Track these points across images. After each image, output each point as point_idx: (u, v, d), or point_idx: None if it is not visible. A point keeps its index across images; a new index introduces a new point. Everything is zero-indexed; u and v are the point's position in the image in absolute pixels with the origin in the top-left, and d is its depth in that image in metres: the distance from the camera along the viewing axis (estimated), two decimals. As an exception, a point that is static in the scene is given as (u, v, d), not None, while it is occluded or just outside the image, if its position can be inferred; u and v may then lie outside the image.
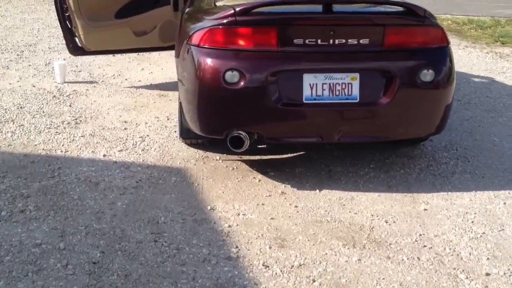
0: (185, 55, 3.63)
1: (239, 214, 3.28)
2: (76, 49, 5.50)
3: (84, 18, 5.30)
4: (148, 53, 6.63)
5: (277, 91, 3.35)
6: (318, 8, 3.39)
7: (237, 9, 3.33)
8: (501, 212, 3.37)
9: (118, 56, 6.69)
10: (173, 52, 6.75)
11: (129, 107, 5.08)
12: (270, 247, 2.96)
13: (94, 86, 5.68)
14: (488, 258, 2.90)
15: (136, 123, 4.67)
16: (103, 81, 5.91)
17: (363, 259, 2.88)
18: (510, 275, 2.77)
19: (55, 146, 4.15)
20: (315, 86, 3.37)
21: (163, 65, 6.66)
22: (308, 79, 3.37)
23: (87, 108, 4.99)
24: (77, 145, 4.17)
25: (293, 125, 3.46)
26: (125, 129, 4.54)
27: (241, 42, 3.36)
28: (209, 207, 3.34)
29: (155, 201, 3.39)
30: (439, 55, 3.49)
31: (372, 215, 3.30)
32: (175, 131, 4.49)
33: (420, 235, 3.10)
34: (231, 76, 3.33)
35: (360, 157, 4.07)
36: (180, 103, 3.83)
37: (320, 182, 3.70)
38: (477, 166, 3.99)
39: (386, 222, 3.22)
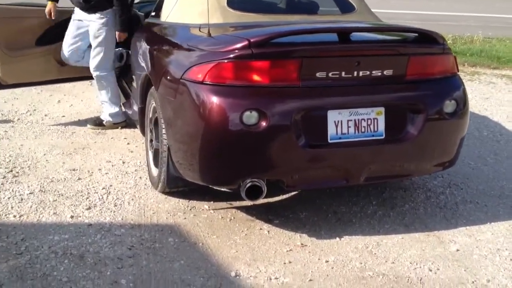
0: (177, 93, 3.07)
1: (270, 279, 2.80)
2: (-11, 84, 4.62)
3: (0, 46, 4.46)
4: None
5: (301, 131, 2.93)
6: (336, 37, 3.03)
7: (253, 39, 2.86)
8: (529, 244, 3.24)
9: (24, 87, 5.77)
10: (87, 83, 6.02)
11: (68, 150, 4.32)
12: (331, 319, 2.53)
13: (12, 126, 4.82)
14: (554, 302, 2.72)
15: (88, 171, 3.95)
16: (19, 119, 5.05)
17: (436, 320, 2.56)
18: None
19: (2, 209, 3.34)
20: (340, 123, 3.00)
21: (80, 95, 5.90)
22: (333, 116, 2.99)
23: (18, 156, 4.16)
24: (31, 206, 3.39)
25: (317, 168, 3.05)
26: (79, 179, 3.81)
27: (257, 78, 2.90)
28: (232, 273, 2.82)
29: (165, 273, 2.79)
30: (457, 84, 3.30)
31: (411, 263, 2.99)
32: (140, 177, 3.87)
33: (473, 282, 2.84)
34: (249, 117, 2.85)
35: (355, 193, 3.77)
36: (168, 149, 3.25)
37: (334, 227, 3.32)
38: (472, 194, 3.86)
39: (430, 271, 2.93)
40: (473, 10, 15.21)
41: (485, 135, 5.14)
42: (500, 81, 7.50)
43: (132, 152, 4.35)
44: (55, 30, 4.76)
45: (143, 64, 3.76)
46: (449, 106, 3.19)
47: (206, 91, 2.89)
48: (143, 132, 3.97)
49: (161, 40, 3.65)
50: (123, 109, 4.79)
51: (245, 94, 2.87)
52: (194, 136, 2.98)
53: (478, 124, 5.46)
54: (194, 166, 3.06)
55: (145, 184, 3.76)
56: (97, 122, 4.89)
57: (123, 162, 4.13)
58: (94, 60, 4.67)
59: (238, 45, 2.86)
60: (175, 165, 3.22)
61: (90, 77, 5.09)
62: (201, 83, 2.91)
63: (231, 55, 2.86)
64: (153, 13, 4.15)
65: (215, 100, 2.86)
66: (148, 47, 3.75)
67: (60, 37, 4.74)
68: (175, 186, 3.44)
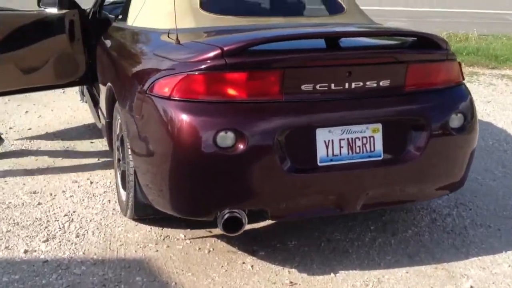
0: (142, 109, 2.64)
1: (254, 329, 2.37)
2: None
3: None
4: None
5: (286, 154, 2.51)
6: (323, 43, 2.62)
7: (226, 48, 2.43)
8: (550, 277, 2.82)
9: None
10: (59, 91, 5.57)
11: (31, 169, 3.88)
12: None
13: (-29, 141, 4.36)
14: None
15: (51, 194, 3.52)
16: (-20, 132, 4.58)
17: None
18: None
19: None
20: (331, 143, 2.58)
21: (51, 104, 5.46)
22: (322, 135, 2.57)
23: (-28, 176, 3.72)
24: (-21, 239, 2.96)
25: (305, 196, 2.63)
26: (39, 204, 3.38)
27: (232, 92, 2.47)
28: (208, 324, 2.39)
29: (128, 324, 2.36)
30: (463, 94, 2.91)
31: (419, 305, 2.57)
32: (109, 201, 3.44)
33: (492, 328, 2.43)
34: (224, 138, 2.43)
35: (350, 216, 3.34)
36: (134, 172, 2.82)
37: (327, 260, 2.90)
38: (483, 215, 3.45)
39: (442, 314, 2.51)
40: (465, 6, 14.83)
41: (491, 145, 4.74)
42: (501, 82, 7.11)
43: (102, 169, 3.91)
44: (16, 36, 4.29)
45: (107, 75, 3.32)
46: (455, 120, 2.78)
47: (174, 108, 2.47)
48: (111, 148, 3.54)
49: (126, 48, 3.22)
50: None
51: (218, 111, 2.45)
52: (161, 161, 2.56)
53: (482, 132, 5.05)
54: (163, 194, 2.64)
55: (114, 209, 3.33)
56: None
57: (91, 182, 3.70)
58: None
59: (210, 54, 2.44)
60: (144, 190, 2.80)
61: (62, 85, 4.67)
62: (168, 98, 2.48)
63: (202, 66, 2.44)
64: (120, 16, 3.72)
65: (184, 118, 2.44)
66: (111, 55, 3.32)
67: (22, 44, 4.27)
68: (144, 214, 3.02)
